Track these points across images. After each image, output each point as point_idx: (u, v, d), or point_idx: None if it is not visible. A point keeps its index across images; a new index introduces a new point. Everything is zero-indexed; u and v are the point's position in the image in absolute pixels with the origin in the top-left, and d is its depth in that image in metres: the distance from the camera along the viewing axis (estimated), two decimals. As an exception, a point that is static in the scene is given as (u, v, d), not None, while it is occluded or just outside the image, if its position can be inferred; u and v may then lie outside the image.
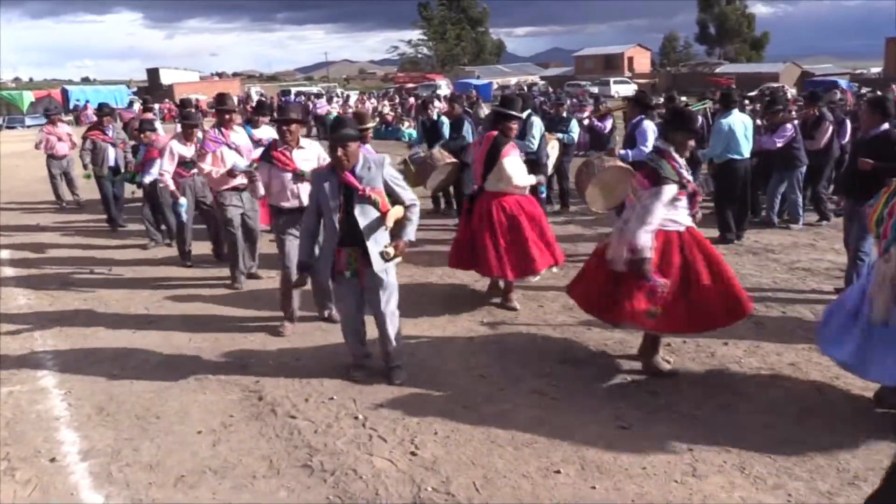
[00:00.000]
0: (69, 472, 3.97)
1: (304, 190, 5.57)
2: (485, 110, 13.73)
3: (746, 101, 14.88)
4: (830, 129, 9.43)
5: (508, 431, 4.21)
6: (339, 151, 4.45)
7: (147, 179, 8.95)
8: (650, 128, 7.60)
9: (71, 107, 43.06)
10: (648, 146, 7.44)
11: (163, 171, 7.66)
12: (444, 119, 10.45)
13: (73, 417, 4.61)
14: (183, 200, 7.70)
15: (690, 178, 4.73)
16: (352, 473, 3.83)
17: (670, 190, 4.52)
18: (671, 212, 4.61)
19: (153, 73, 74.13)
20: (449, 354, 5.38)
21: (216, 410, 4.61)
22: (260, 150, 6.63)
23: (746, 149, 8.37)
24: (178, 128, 8.70)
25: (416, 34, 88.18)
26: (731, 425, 4.22)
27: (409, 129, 24.96)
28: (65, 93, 49.74)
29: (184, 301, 6.95)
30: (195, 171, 7.75)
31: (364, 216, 4.55)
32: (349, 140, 4.46)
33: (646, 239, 4.49)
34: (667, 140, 4.72)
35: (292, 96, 42.36)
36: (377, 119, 28.34)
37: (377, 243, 4.58)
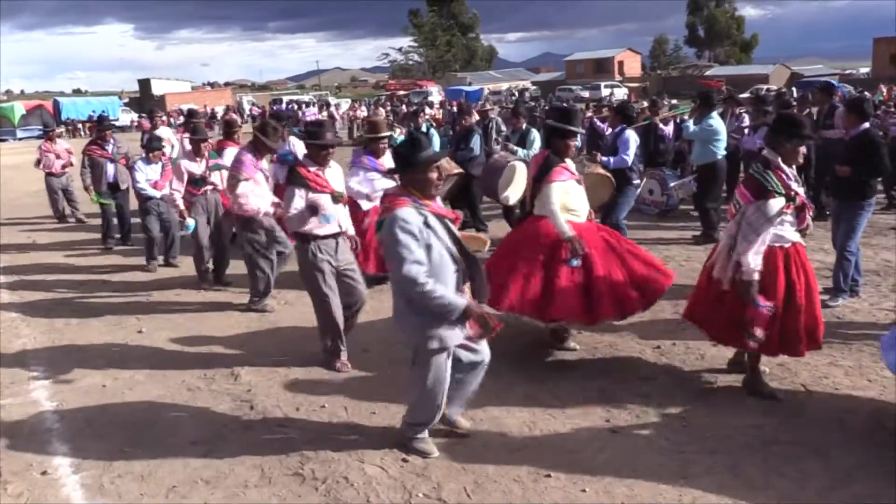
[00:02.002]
0: (61, 485, 3.96)
1: (342, 213, 5.34)
2: (475, 116, 13.70)
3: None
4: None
5: (499, 436, 4.23)
6: (440, 174, 3.77)
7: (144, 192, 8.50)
8: (632, 137, 7.68)
9: (64, 118, 42.86)
10: (630, 156, 7.51)
11: (173, 189, 7.47)
12: (434, 131, 10.45)
13: (65, 430, 4.61)
14: (190, 221, 7.42)
15: (801, 189, 4.41)
16: (343, 481, 3.84)
17: (776, 203, 4.20)
18: (776, 227, 4.31)
19: (144, 84, 74.12)
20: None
21: (208, 421, 4.62)
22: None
23: (724, 149, 8.62)
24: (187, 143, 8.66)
25: (406, 41, 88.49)
26: (721, 426, 4.24)
27: (400, 136, 24.97)
28: (56, 105, 49.59)
29: (175, 313, 6.95)
30: (208, 188, 7.54)
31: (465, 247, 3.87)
32: (437, 161, 3.79)
33: (754, 261, 4.22)
34: (774, 149, 4.36)
35: (284, 105, 42.45)
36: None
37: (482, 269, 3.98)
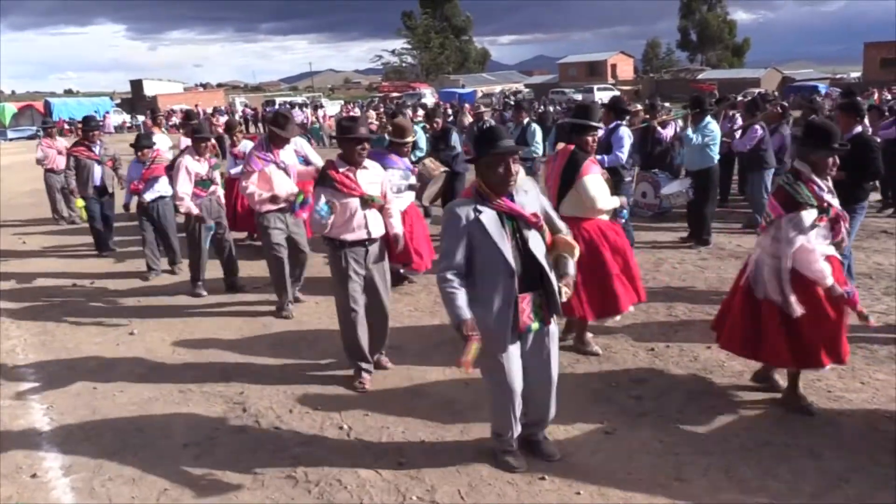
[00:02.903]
0: (51, 488, 3.93)
1: (372, 218, 4.90)
2: (468, 118, 13.73)
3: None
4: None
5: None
6: (510, 169, 3.51)
7: (148, 196, 8.08)
8: (626, 134, 7.65)
9: (56, 118, 42.52)
10: (624, 153, 7.48)
11: (181, 193, 6.98)
12: (418, 129, 10.48)
13: (56, 432, 4.57)
14: (211, 222, 7.10)
15: (835, 201, 4.20)
16: (336, 484, 3.82)
17: (808, 216, 4.05)
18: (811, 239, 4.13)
19: (137, 85, 73.92)
20: (435, 362, 5.37)
21: (200, 423, 4.59)
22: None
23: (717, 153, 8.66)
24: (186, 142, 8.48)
25: (400, 43, 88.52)
26: (715, 428, 4.24)
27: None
28: (47, 105, 49.44)
29: (167, 314, 6.91)
30: (213, 189, 7.30)
31: (539, 249, 3.60)
32: (515, 154, 3.58)
33: (819, 268, 4.07)
34: (803, 159, 4.21)
35: (277, 106, 42.38)
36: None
37: (555, 280, 3.67)
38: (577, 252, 3.79)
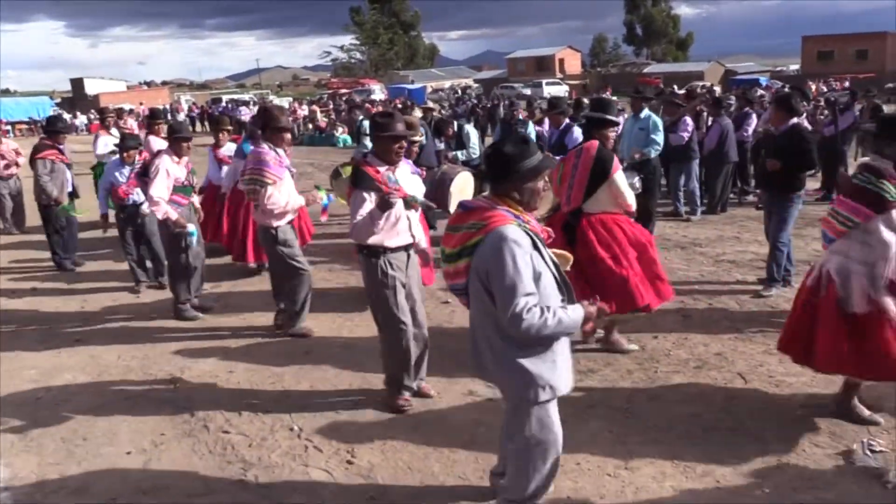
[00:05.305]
0: (-10, 503, 3.82)
1: (415, 222, 4.52)
2: (418, 113, 13.68)
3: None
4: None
5: (445, 435, 4.22)
6: (541, 184, 3.02)
7: (148, 208, 6.76)
8: (580, 135, 7.71)
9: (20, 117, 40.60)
10: None
11: (157, 197, 6.22)
12: (366, 123, 10.40)
13: (-5, 445, 4.43)
14: (192, 227, 6.37)
15: None
16: (288, 486, 3.79)
17: None
18: None
19: (77, 84, 71.95)
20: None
21: (146, 429, 4.49)
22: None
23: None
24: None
25: (348, 39, 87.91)
26: (662, 416, 4.33)
27: (342, 134, 24.88)
28: (-17, 105, 47.67)
29: (113, 319, 6.75)
30: (194, 196, 6.69)
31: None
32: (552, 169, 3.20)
33: None
34: (880, 154, 3.99)
35: (224, 103, 41.67)
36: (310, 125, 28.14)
37: None
38: (570, 262, 3.57)
